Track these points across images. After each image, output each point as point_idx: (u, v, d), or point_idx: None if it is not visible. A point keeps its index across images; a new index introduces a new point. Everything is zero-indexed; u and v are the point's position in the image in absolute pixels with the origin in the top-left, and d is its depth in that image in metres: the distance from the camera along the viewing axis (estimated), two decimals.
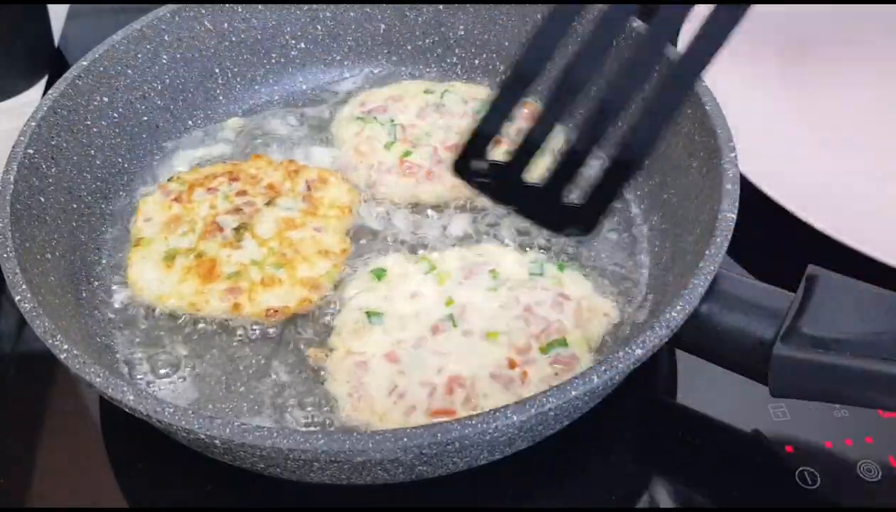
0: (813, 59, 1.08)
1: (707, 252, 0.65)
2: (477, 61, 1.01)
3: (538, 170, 0.54)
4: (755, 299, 0.66)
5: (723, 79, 0.85)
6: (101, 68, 0.86)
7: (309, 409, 0.71)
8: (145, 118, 0.92)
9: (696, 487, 0.72)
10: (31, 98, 1.13)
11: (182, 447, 0.67)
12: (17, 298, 0.65)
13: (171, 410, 0.57)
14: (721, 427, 0.75)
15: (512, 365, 0.70)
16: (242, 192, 0.86)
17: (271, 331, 0.77)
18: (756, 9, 0.49)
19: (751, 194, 0.82)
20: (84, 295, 0.78)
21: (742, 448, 0.73)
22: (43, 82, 1.16)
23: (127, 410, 0.59)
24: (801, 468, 0.71)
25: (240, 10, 0.96)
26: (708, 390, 0.76)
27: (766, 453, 0.73)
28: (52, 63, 1.18)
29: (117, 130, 0.89)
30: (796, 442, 0.73)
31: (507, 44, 0.98)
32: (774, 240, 0.86)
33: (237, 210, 0.84)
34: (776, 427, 0.74)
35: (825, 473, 0.70)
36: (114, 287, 0.80)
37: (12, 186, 0.73)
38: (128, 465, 0.74)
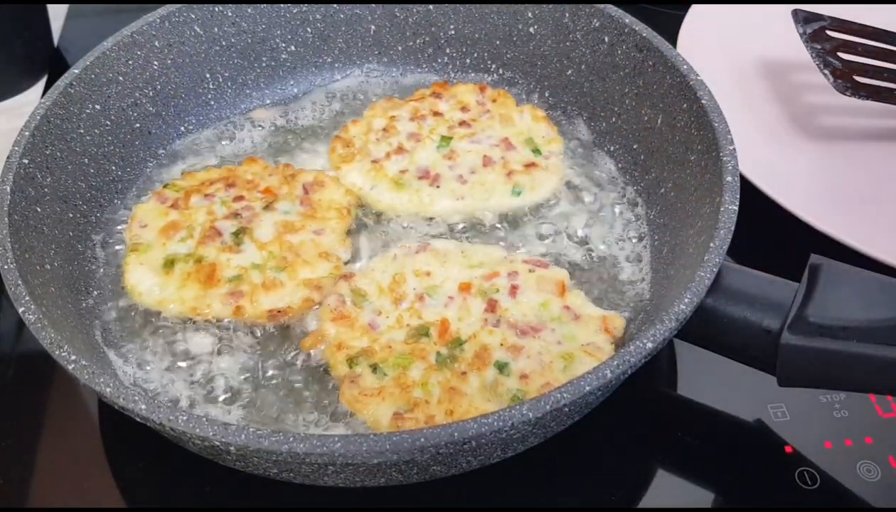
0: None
1: (711, 244, 0.66)
2: (468, 60, 1.01)
3: None
4: (760, 290, 0.66)
5: (721, 79, 0.85)
6: (93, 76, 0.86)
7: (316, 408, 0.71)
8: (137, 125, 0.91)
9: (696, 488, 0.72)
10: (31, 98, 1.13)
11: (180, 447, 0.67)
12: (21, 309, 0.64)
13: (185, 417, 0.57)
14: (721, 428, 0.75)
15: None
16: (240, 198, 0.85)
17: (274, 333, 0.77)
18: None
19: (750, 194, 0.83)
20: (84, 305, 0.77)
21: (742, 448, 0.74)
22: (43, 82, 1.15)
23: (138, 419, 0.59)
24: (801, 468, 0.71)
25: (230, 14, 0.96)
26: (708, 391, 0.77)
27: (766, 453, 0.73)
28: (52, 63, 1.17)
29: (110, 138, 0.88)
30: (796, 442, 0.73)
31: (497, 42, 0.99)
32: (773, 240, 0.86)
33: (235, 215, 0.83)
34: (776, 427, 0.74)
35: (825, 473, 0.71)
36: (113, 295, 0.80)
37: (9, 197, 0.72)
38: (127, 465, 0.74)
